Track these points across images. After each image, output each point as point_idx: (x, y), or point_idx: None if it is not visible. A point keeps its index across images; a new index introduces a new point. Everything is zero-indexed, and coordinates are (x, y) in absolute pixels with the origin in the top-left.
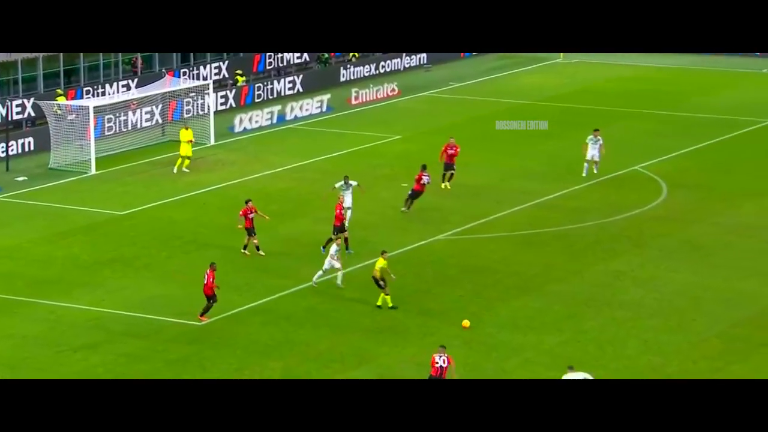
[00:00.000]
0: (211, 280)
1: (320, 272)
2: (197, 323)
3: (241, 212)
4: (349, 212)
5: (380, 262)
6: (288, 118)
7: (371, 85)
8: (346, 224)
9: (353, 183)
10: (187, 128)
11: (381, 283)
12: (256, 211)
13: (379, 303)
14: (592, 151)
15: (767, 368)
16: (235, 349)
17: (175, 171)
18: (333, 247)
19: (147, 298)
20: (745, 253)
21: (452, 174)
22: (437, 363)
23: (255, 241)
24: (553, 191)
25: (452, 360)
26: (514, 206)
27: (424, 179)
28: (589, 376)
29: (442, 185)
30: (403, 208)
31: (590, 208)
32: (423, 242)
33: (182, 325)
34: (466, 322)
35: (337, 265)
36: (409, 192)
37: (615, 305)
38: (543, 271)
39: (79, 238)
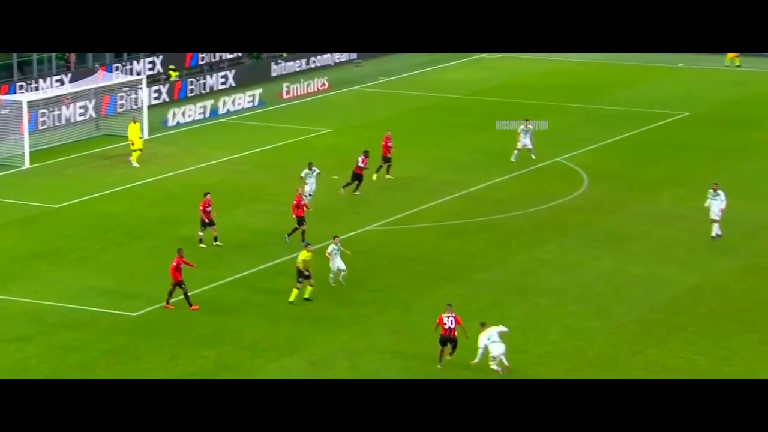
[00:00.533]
0: (179, 265)
1: (332, 275)
2: (131, 314)
3: (200, 205)
4: (309, 197)
5: (303, 254)
6: (221, 112)
7: (302, 80)
8: (306, 204)
9: (316, 170)
10: (135, 122)
11: (306, 273)
12: (210, 204)
13: (306, 295)
14: (524, 140)
15: (683, 352)
16: (168, 339)
17: (135, 164)
18: (330, 246)
19: (82, 290)
20: (662, 240)
21: (389, 166)
22: (446, 324)
23: (201, 233)
24: (479, 182)
25: (460, 320)
26: (442, 197)
27: (358, 161)
28: (503, 329)
29: (374, 176)
30: (341, 190)
31: (514, 199)
32: (353, 233)
33: (117, 316)
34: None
35: (342, 265)
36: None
37: (538, 292)
38: (469, 260)
39: (13, 232)
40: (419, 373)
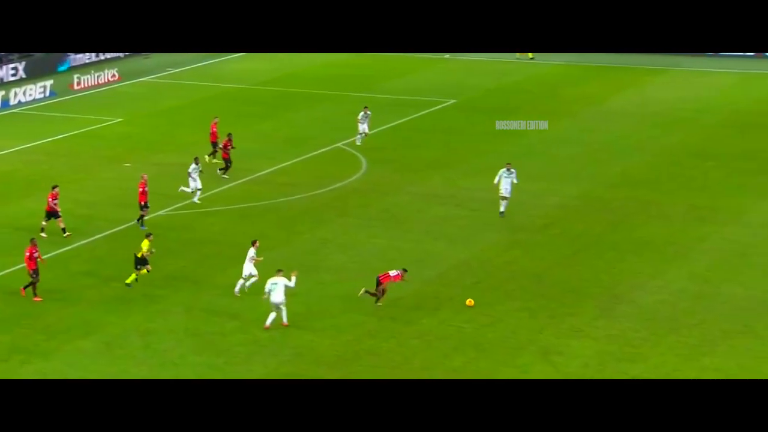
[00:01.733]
0: (32, 254)
1: (241, 281)
2: None
3: (48, 197)
4: (199, 192)
5: (146, 244)
6: (12, 103)
7: (93, 71)
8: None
9: (200, 166)
10: None
11: (145, 261)
12: (56, 199)
13: (128, 281)
14: (363, 126)
15: (453, 320)
16: None
17: None
18: (251, 251)
19: None
20: (434, 218)
21: (215, 152)
22: (390, 272)
23: (44, 223)
24: (265, 168)
25: (397, 279)
26: (231, 182)
27: (222, 144)
28: (290, 284)
29: (206, 158)
30: (221, 173)
31: (299, 183)
32: (145, 218)
33: None
34: (470, 301)
35: (254, 271)
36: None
37: (322, 269)
38: (258, 241)
39: None
40: (210, 350)
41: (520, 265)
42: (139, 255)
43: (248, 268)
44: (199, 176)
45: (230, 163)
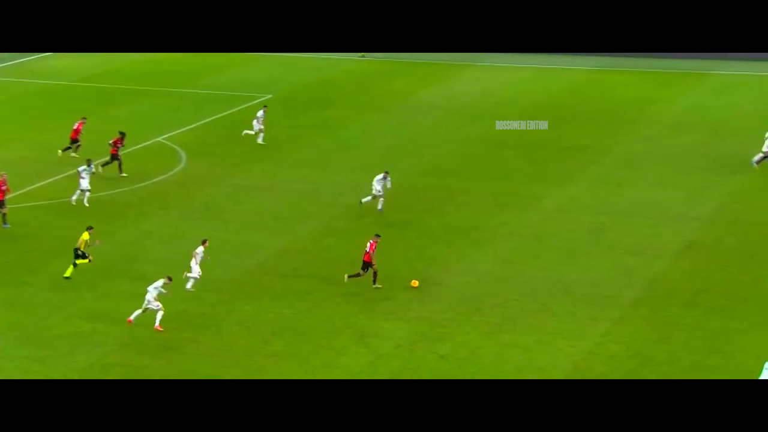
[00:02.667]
0: None
1: (190, 277)
2: None
3: None
4: (87, 194)
5: (85, 236)
6: None
7: None
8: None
9: (93, 168)
10: None
11: (80, 253)
12: None
13: (67, 274)
14: (258, 124)
15: (272, 307)
16: None
17: None
18: (199, 248)
19: None
20: (253, 210)
21: (78, 146)
22: (367, 249)
23: None
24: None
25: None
26: (52, 177)
27: (117, 146)
28: (159, 288)
29: (59, 152)
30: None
31: (121, 177)
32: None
33: None
34: (414, 282)
35: (198, 270)
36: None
37: (144, 261)
38: (77, 234)
39: None
40: (33, 342)
41: (335, 252)
42: (81, 249)
43: (195, 266)
44: (89, 177)
45: (119, 159)
